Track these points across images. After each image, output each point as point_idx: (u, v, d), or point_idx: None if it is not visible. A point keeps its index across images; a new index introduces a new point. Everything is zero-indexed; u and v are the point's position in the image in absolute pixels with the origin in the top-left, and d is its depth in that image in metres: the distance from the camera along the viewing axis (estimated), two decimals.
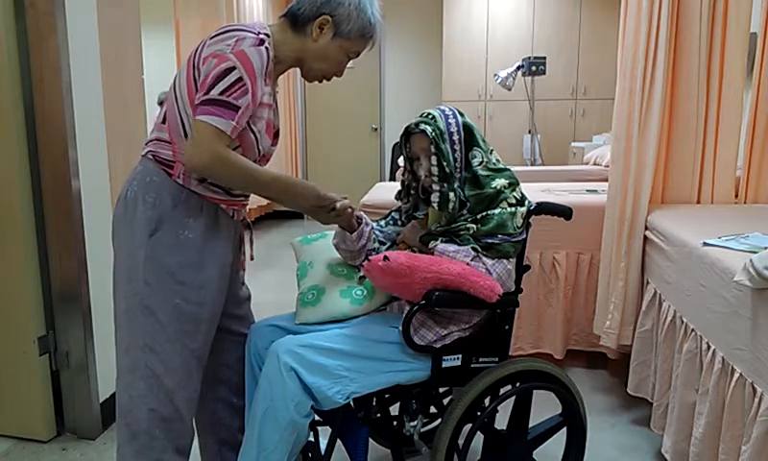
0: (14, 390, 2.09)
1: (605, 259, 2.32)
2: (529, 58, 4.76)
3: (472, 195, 1.50)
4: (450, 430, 1.44)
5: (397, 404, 1.64)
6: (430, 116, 1.53)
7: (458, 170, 1.52)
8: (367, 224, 1.59)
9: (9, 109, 1.92)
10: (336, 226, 1.57)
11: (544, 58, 4.73)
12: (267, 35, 1.30)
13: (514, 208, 1.49)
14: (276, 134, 1.43)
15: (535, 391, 1.55)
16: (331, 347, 1.37)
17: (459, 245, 1.46)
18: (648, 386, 2.06)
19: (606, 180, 2.38)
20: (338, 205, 1.44)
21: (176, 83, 1.32)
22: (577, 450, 1.65)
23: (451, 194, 1.48)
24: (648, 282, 2.12)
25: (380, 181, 6.28)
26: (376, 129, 6.71)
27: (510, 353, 1.61)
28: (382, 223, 1.71)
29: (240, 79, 1.21)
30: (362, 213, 1.60)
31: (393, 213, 1.73)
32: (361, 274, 1.55)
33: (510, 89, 4.83)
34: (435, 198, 1.49)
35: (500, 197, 1.49)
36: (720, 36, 2.15)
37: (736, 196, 2.35)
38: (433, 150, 1.49)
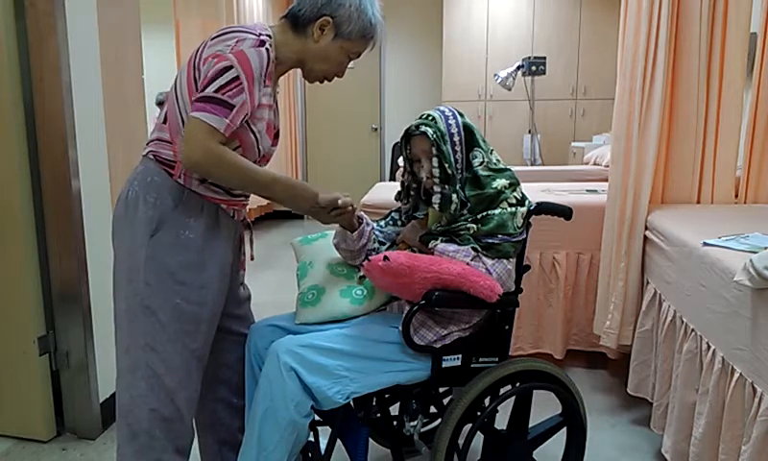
0: (14, 390, 2.09)
1: (605, 259, 2.32)
2: (529, 58, 4.76)
3: (473, 195, 1.50)
4: (450, 430, 1.44)
5: (397, 404, 1.64)
6: (430, 118, 1.53)
7: (459, 171, 1.52)
8: (367, 224, 1.59)
9: (9, 109, 1.92)
10: (336, 225, 1.57)
11: (544, 58, 4.73)
12: (269, 36, 1.30)
13: (514, 208, 1.49)
14: (277, 135, 1.43)
15: (535, 391, 1.55)
16: (331, 347, 1.37)
17: (459, 245, 1.46)
18: (648, 386, 2.06)
19: (606, 180, 2.38)
20: (339, 201, 1.43)
21: (176, 83, 1.32)
22: (577, 450, 1.65)
23: (454, 195, 1.48)
24: (648, 282, 2.12)
25: (380, 181, 6.28)
26: (376, 129, 6.71)
27: (510, 353, 1.61)
28: (382, 223, 1.71)
29: (236, 77, 1.21)
30: (362, 213, 1.60)
31: (393, 213, 1.73)
32: (361, 274, 1.55)
33: (510, 89, 4.83)
34: (436, 199, 1.49)
35: (501, 197, 1.49)
36: (720, 36, 2.15)
37: (736, 196, 2.35)
38: (434, 152, 1.49)
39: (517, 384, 1.54)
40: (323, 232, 1.74)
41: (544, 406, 1.65)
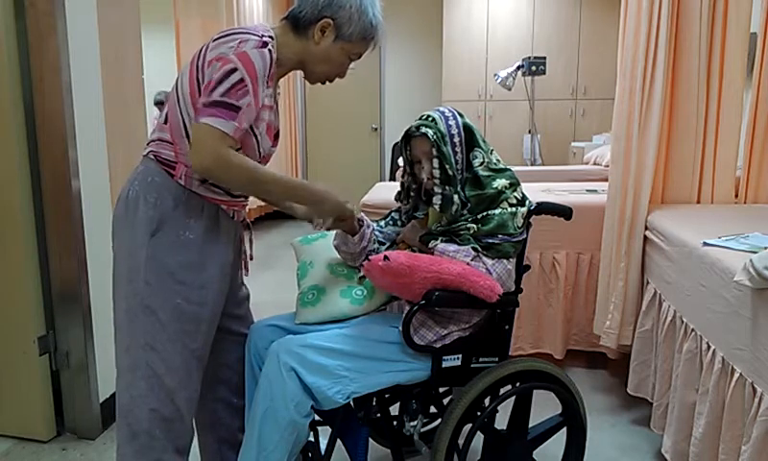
0: (14, 390, 2.09)
1: (605, 259, 2.32)
2: (529, 58, 4.76)
3: (473, 195, 1.50)
4: (450, 430, 1.44)
5: (397, 404, 1.64)
6: (430, 119, 1.53)
7: (459, 171, 1.52)
8: (368, 226, 1.59)
9: (9, 109, 1.92)
10: None
11: (544, 58, 4.73)
12: (270, 37, 1.30)
13: (514, 209, 1.49)
14: (277, 136, 1.43)
15: (535, 391, 1.55)
16: (331, 347, 1.37)
17: (459, 245, 1.46)
18: (648, 386, 2.06)
19: (606, 180, 2.38)
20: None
21: (178, 84, 1.31)
22: (577, 450, 1.65)
23: (455, 196, 1.48)
24: (648, 282, 2.12)
25: (380, 181, 6.28)
26: (376, 129, 6.71)
27: (510, 353, 1.61)
28: (382, 223, 1.71)
29: (241, 80, 1.21)
30: (363, 215, 1.60)
31: (392, 213, 1.73)
32: (361, 274, 1.55)
33: (510, 89, 4.83)
34: (437, 200, 1.49)
35: (501, 197, 1.49)
36: (720, 36, 2.15)
37: (736, 196, 2.35)
38: (435, 153, 1.49)
39: (517, 384, 1.54)
40: (323, 233, 1.74)
41: (544, 406, 1.65)
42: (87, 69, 2.08)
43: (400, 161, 1.72)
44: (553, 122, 5.81)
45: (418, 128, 1.52)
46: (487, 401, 1.51)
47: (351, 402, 1.45)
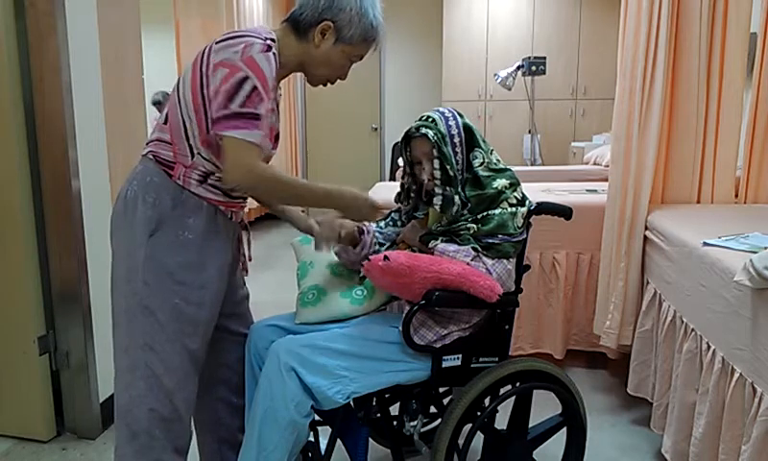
0: (14, 390, 2.09)
1: (605, 259, 2.32)
2: (529, 58, 4.76)
3: (473, 195, 1.50)
4: (450, 430, 1.44)
5: (397, 404, 1.64)
6: (430, 119, 1.53)
7: (459, 172, 1.52)
8: (368, 232, 1.59)
9: (9, 109, 1.92)
10: None
11: (544, 58, 4.73)
12: (273, 40, 1.29)
13: (514, 209, 1.49)
14: (277, 137, 1.43)
15: (535, 391, 1.55)
16: (331, 347, 1.37)
17: (459, 245, 1.46)
18: (648, 386, 2.06)
19: (606, 180, 2.38)
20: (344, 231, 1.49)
21: (179, 85, 1.31)
22: (577, 450, 1.65)
23: (456, 197, 1.48)
24: (648, 282, 2.12)
25: (380, 180, 6.28)
26: (376, 129, 6.71)
27: (510, 353, 1.61)
28: (382, 223, 1.71)
29: (255, 88, 1.22)
30: (364, 224, 1.60)
31: (392, 214, 1.73)
32: (361, 274, 1.55)
33: (510, 89, 4.83)
34: (437, 201, 1.49)
35: (501, 197, 1.49)
36: (720, 36, 2.15)
37: (736, 196, 2.35)
38: (435, 153, 1.49)
39: (517, 384, 1.54)
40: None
41: (544, 406, 1.65)
42: (87, 69, 2.08)
43: (400, 161, 1.72)
44: (553, 122, 5.81)
45: (418, 129, 1.52)
46: (487, 401, 1.51)
47: (351, 402, 1.45)
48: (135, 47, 2.36)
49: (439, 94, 5.99)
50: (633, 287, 2.20)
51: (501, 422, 1.58)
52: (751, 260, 1.28)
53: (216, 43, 1.26)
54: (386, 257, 1.34)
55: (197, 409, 1.52)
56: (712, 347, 1.54)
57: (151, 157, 1.33)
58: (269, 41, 1.26)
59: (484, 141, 1.57)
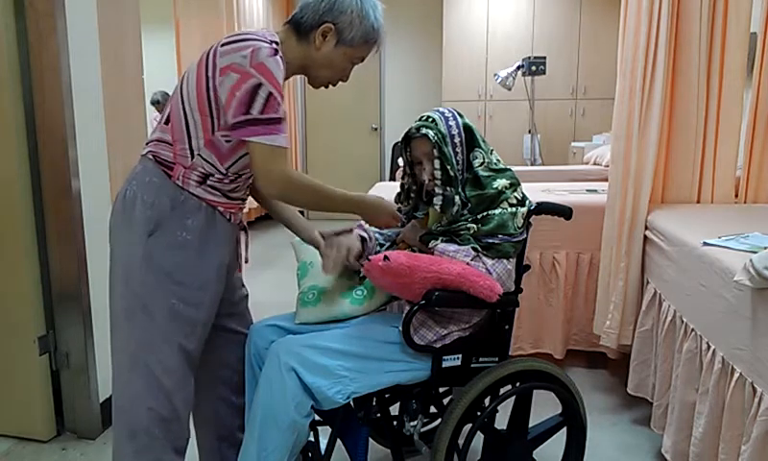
0: (14, 390, 2.09)
1: (605, 259, 2.32)
2: (529, 58, 4.76)
3: (474, 195, 1.50)
4: (450, 430, 1.44)
5: (397, 404, 1.64)
6: (430, 119, 1.52)
7: (460, 172, 1.52)
8: (370, 239, 1.59)
9: (9, 109, 1.92)
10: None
11: (544, 58, 4.73)
12: (277, 42, 1.29)
13: (514, 209, 1.49)
14: None
15: (535, 391, 1.55)
16: (331, 347, 1.37)
17: (459, 245, 1.46)
18: (648, 386, 2.06)
19: (606, 180, 2.38)
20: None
21: (183, 86, 1.30)
22: (577, 450, 1.65)
23: (456, 197, 1.48)
24: (648, 282, 2.12)
25: (380, 180, 6.28)
26: (376, 129, 6.71)
27: (510, 353, 1.61)
28: None
29: (270, 93, 1.23)
30: (364, 233, 1.59)
31: None
32: (361, 274, 1.55)
33: (510, 89, 4.83)
34: (438, 201, 1.49)
35: (501, 197, 1.49)
36: (720, 35, 2.15)
37: (736, 196, 2.35)
38: (436, 154, 1.49)
39: (517, 384, 1.54)
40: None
41: (544, 406, 1.65)
42: (87, 69, 2.08)
43: (400, 161, 1.72)
44: (553, 122, 5.81)
45: (418, 129, 1.52)
46: (487, 401, 1.51)
47: (351, 402, 1.45)
48: (135, 47, 2.36)
49: (439, 94, 5.99)
50: (633, 287, 2.20)
51: (501, 422, 1.58)
52: (751, 260, 1.28)
53: (221, 46, 1.26)
54: (386, 257, 1.34)
55: (197, 408, 1.52)
56: (712, 347, 1.54)
57: (150, 157, 1.33)
58: (274, 45, 1.26)
59: (484, 141, 1.57)
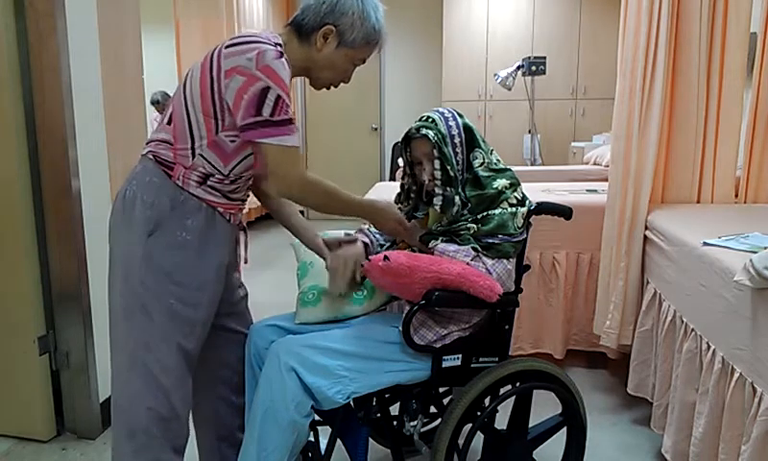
0: (14, 390, 2.09)
1: (605, 259, 2.32)
2: (529, 58, 4.76)
3: (474, 196, 1.50)
4: (450, 430, 1.44)
5: (397, 404, 1.64)
6: (430, 120, 1.52)
7: (460, 172, 1.52)
8: (372, 243, 1.59)
9: (9, 109, 1.92)
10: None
11: (544, 58, 4.73)
12: (280, 44, 1.29)
13: (514, 209, 1.49)
14: None
15: (535, 391, 1.55)
16: (331, 347, 1.37)
17: (459, 245, 1.46)
18: (648, 386, 2.06)
19: (606, 180, 2.37)
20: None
21: (186, 86, 1.30)
22: (577, 450, 1.65)
23: (456, 197, 1.48)
24: (648, 282, 2.12)
25: (380, 180, 6.28)
26: (376, 129, 6.71)
27: (510, 353, 1.61)
28: None
29: (279, 96, 1.23)
30: (366, 238, 1.59)
31: None
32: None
33: (510, 89, 4.83)
34: (438, 201, 1.49)
35: (501, 197, 1.49)
36: (720, 35, 2.15)
37: (736, 196, 2.35)
38: (436, 154, 1.49)
39: (517, 384, 1.54)
40: (323, 232, 1.74)
41: (544, 406, 1.65)
42: (87, 69, 2.08)
43: (400, 161, 1.72)
44: (553, 122, 5.81)
45: (418, 129, 1.52)
46: (487, 401, 1.51)
47: (351, 402, 1.45)
48: (135, 47, 2.36)
49: (439, 94, 5.99)
50: (633, 287, 2.20)
51: (501, 422, 1.58)
52: (751, 260, 1.28)
53: (226, 47, 1.25)
54: (386, 257, 1.34)
55: (196, 408, 1.52)
56: (712, 347, 1.54)
57: (150, 157, 1.33)
58: (279, 47, 1.27)
59: (484, 141, 1.57)
